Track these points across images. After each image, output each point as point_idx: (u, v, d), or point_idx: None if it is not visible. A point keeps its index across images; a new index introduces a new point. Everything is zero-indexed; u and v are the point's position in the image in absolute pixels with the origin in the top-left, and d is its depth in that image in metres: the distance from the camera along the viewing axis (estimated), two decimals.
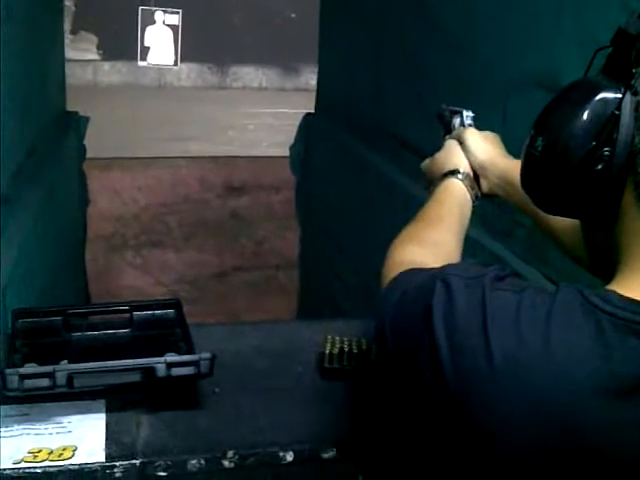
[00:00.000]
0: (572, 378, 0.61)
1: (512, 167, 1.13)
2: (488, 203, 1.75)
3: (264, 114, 8.13)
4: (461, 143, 1.22)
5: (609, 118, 0.67)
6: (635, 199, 0.67)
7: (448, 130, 1.28)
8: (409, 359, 0.71)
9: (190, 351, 1.21)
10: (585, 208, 0.72)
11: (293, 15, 9.55)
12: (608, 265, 0.73)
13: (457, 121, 1.26)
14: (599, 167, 0.68)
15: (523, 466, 0.63)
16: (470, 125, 1.27)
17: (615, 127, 0.67)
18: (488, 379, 0.63)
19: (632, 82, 0.67)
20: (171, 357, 1.15)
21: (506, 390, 0.63)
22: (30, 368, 1.12)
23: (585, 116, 0.69)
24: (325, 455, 1.13)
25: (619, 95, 0.67)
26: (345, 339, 1.33)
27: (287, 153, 4.05)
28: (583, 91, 0.71)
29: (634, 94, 0.67)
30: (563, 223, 1.05)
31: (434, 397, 0.67)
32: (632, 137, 0.66)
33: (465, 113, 1.26)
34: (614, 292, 0.66)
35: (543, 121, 0.74)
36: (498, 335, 0.64)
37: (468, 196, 1.15)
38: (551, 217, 1.10)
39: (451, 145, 1.23)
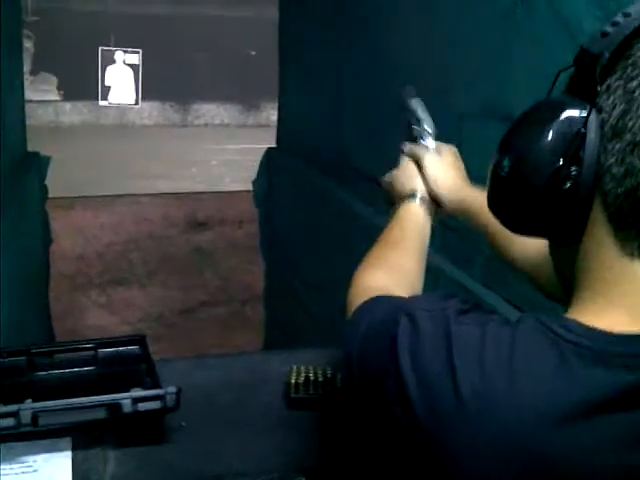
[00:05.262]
0: (535, 409, 0.61)
1: (472, 196, 1.14)
2: (448, 231, 1.78)
3: (226, 150, 8.17)
4: (419, 167, 1.21)
5: (575, 136, 0.66)
6: (604, 218, 0.66)
7: (409, 134, 1.25)
8: (376, 392, 0.71)
9: (156, 386, 1.21)
10: (552, 228, 0.71)
11: (253, 52, 9.64)
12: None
13: (417, 132, 1.24)
14: (566, 186, 0.66)
15: None
16: (429, 138, 1.24)
17: (581, 146, 0.66)
18: (457, 413, 0.63)
19: (597, 100, 0.66)
20: (137, 392, 1.15)
21: (474, 423, 0.63)
22: None
23: (551, 134, 0.68)
24: None
25: (584, 113, 0.66)
26: (310, 368, 1.34)
27: (250, 187, 4.07)
28: (548, 110, 0.69)
29: (599, 112, 0.66)
30: (527, 254, 1.06)
31: (403, 430, 0.67)
32: (598, 155, 0.65)
33: (427, 129, 1.24)
34: (574, 320, 0.65)
35: (508, 141, 0.73)
36: (464, 370, 0.64)
37: (427, 220, 1.15)
38: (514, 247, 1.10)
39: (408, 166, 1.22)
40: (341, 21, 2.88)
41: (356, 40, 2.73)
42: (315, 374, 1.32)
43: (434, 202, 1.19)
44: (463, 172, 1.23)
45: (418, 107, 1.28)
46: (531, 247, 1.05)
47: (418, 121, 1.26)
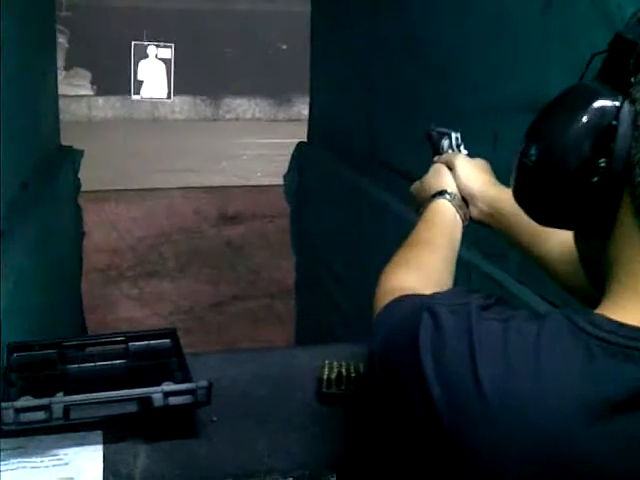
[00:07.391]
0: (563, 406, 0.60)
1: (502, 196, 1.12)
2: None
3: (257, 144, 8.17)
4: (451, 169, 1.21)
5: (606, 128, 0.64)
6: (632, 211, 0.64)
7: (436, 151, 1.28)
8: (398, 390, 0.71)
9: (187, 380, 1.20)
10: (580, 220, 0.69)
11: (284, 47, 9.64)
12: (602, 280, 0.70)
13: (446, 143, 1.25)
14: (595, 178, 0.65)
15: None
16: (459, 146, 1.27)
17: (612, 137, 0.64)
18: (479, 410, 0.62)
19: (630, 90, 0.64)
20: (168, 386, 1.15)
21: (497, 420, 0.62)
22: (26, 401, 1.11)
23: (581, 124, 0.66)
24: None
25: (617, 104, 0.64)
26: (342, 363, 1.33)
27: (281, 182, 4.07)
28: (579, 98, 0.68)
29: (632, 102, 0.64)
30: (556, 253, 1.04)
31: (426, 428, 0.66)
32: (629, 148, 0.63)
33: (454, 135, 1.26)
34: (602, 316, 0.64)
35: (536, 129, 0.71)
36: (486, 365, 0.63)
37: (458, 216, 1.14)
38: (543, 247, 1.09)
39: (439, 168, 1.22)
40: (373, 14, 2.85)
41: (388, 33, 2.71)
42: (347, 370, 1.31)
43: (464, 202, 1.18)
44: (494, 177, 1.22)
45: (445, 129, 1.30)
46: (557, 247, 1.04)
47: (449, 137, 1.27)
